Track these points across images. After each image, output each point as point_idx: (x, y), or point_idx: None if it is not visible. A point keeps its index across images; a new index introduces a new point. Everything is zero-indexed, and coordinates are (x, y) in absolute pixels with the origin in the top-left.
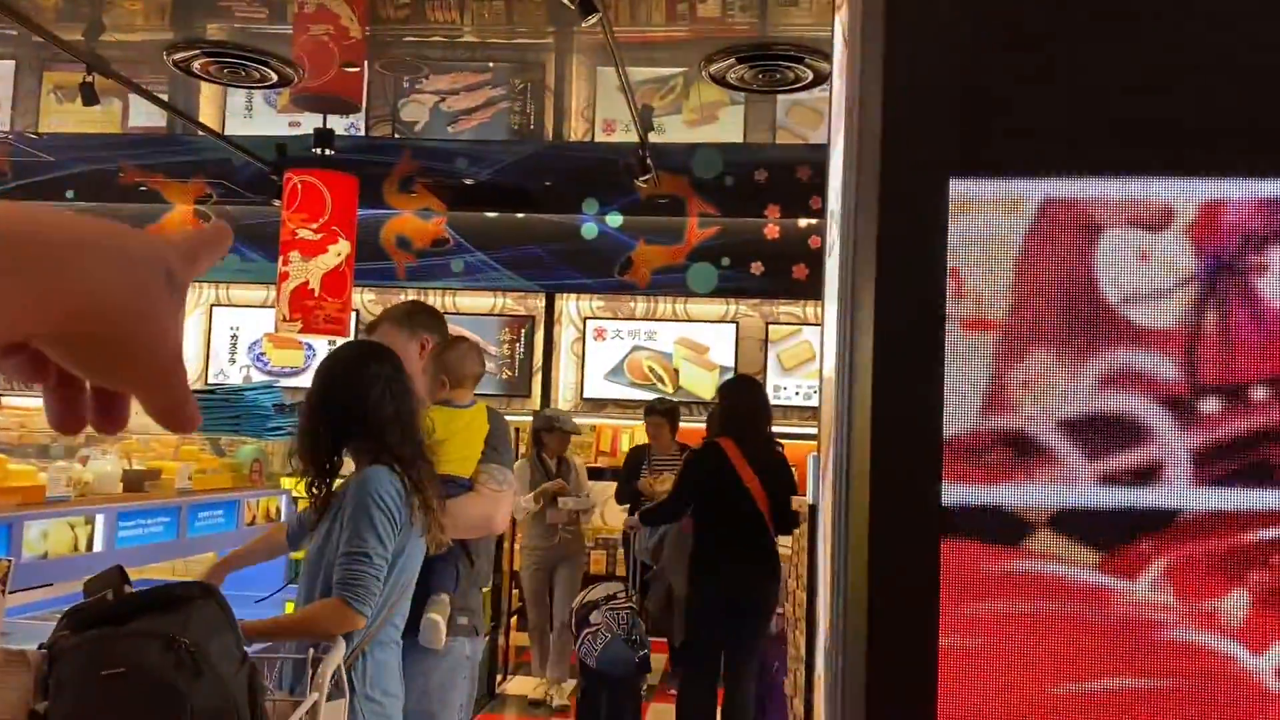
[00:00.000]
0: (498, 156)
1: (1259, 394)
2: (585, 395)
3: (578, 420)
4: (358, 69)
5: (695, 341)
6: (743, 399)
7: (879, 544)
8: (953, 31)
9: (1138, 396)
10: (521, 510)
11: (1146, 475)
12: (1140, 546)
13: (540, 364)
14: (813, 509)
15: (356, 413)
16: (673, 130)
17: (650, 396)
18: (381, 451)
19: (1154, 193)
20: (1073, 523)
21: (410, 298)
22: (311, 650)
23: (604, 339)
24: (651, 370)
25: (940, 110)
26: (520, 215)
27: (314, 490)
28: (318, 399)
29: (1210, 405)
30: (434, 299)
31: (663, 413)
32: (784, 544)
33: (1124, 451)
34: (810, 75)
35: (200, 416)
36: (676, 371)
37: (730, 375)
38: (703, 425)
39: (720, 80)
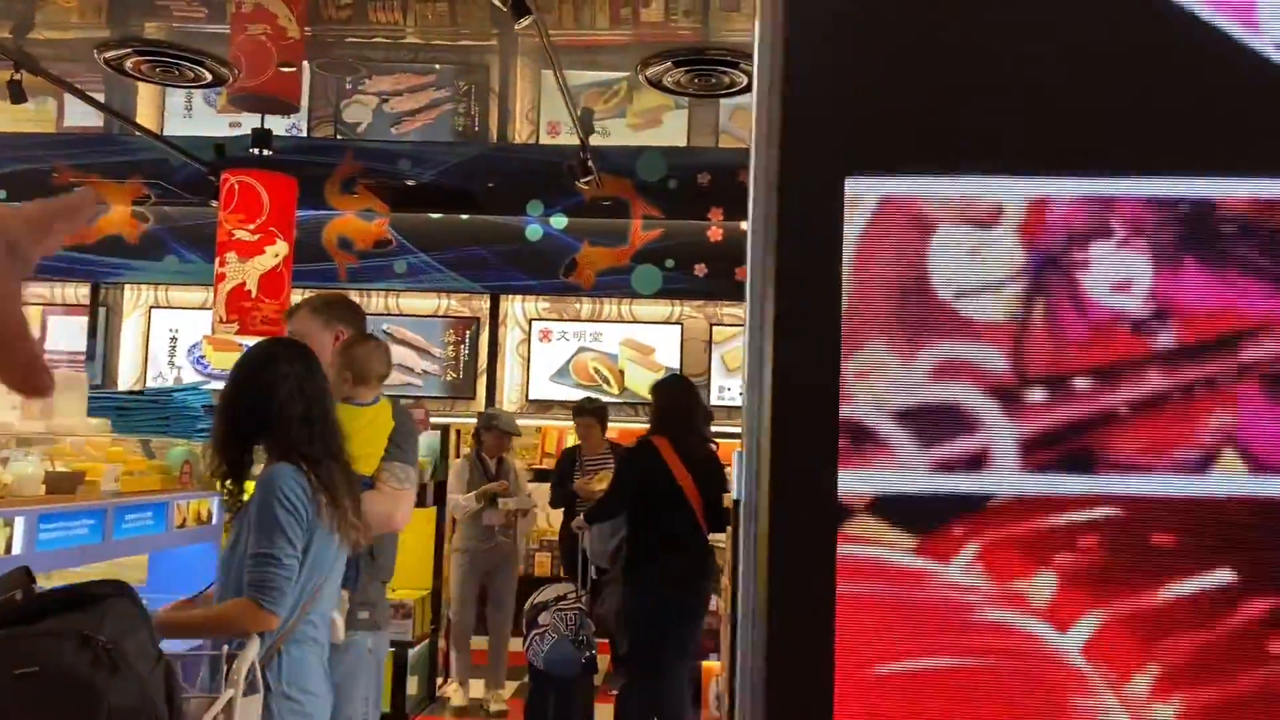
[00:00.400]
0: (441, 158)
1: (1080, 384)
2: (531, 396)
3: (523, 422)
4: (295, 69)
5: (640, 343)
6: (675, 398)
7: (779, 532)
8: (845, 37)
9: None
10: (461, 511)
11: (979, 462)
12: (968, 531)
13: (485, 365)
14: (738, 504)
15: (264, 411)
16: (617, 133)
17: (598, 398)
18: (288, 450)
19: (999, 191)
20: (905, 507)
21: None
22: (226, 647)
23: (549, 340)
24: (597, 371)
25: (834, 113)
26: (464, 217)
27: (228, 488)
28: (228, 397)
29: (1035, 395)
30: (376, 300)
31: (592, 412)
32: (720, 540)
33: (958, 439)
34: (745, 80)
35: (53, 382)
36: (622, 373)
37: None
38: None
39: (657, 84)
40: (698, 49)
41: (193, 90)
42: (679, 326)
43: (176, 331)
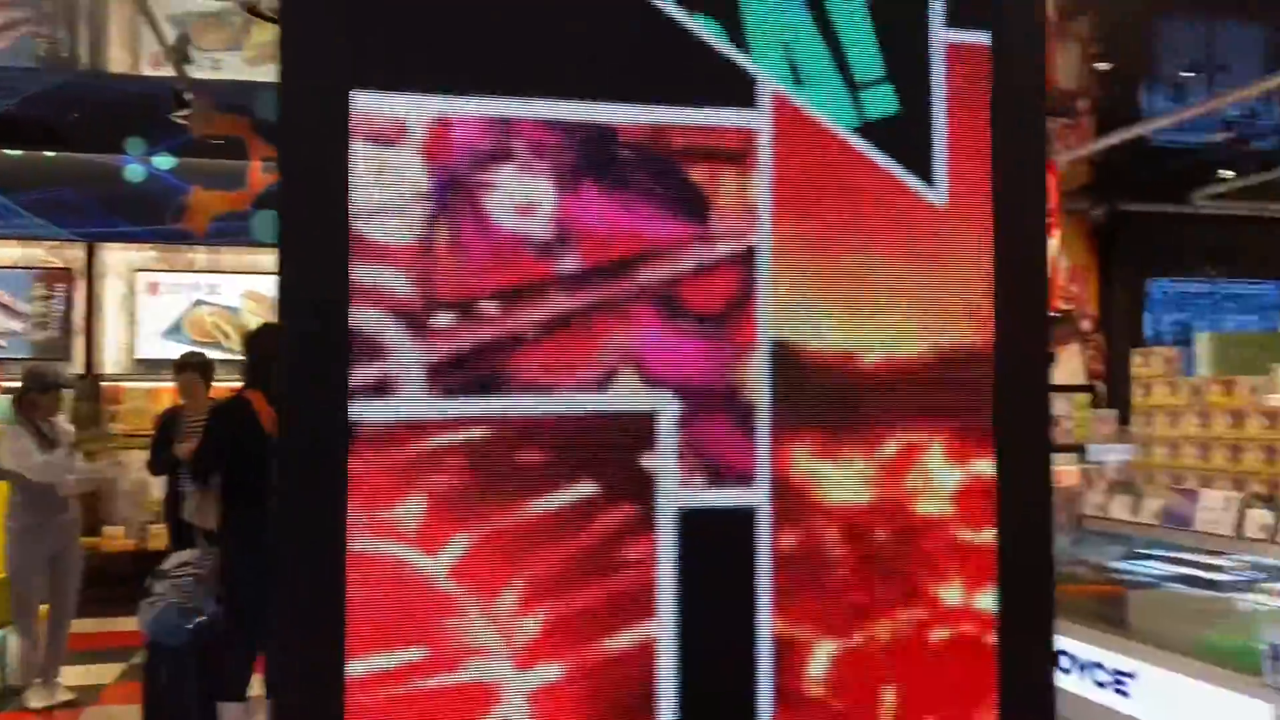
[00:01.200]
0: (20, 86)
1: (485, 308)
2: (138, 356)
3: (131, 385)
4: None
5: (265, 295)
6: (269, 348)
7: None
8: None
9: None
10: (74, 488)
11: (382, 388)
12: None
13: (83, 323)
14: None
15: None
16: (232, 68)
17: (218, 355)
18: None
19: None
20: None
21: None
22: None
23: (159, 293)
24: (216, 326)
25: (330, 32)
26: (50, 154)
27: None
28: None
29: (439, 320)
30: None
31: (194, 367)
32: None
33: (364, 365)
34: None
35: None
36: (245, 328)
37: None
38: None
39: (254, 10)
40: None
41: None
42: None
43: None
